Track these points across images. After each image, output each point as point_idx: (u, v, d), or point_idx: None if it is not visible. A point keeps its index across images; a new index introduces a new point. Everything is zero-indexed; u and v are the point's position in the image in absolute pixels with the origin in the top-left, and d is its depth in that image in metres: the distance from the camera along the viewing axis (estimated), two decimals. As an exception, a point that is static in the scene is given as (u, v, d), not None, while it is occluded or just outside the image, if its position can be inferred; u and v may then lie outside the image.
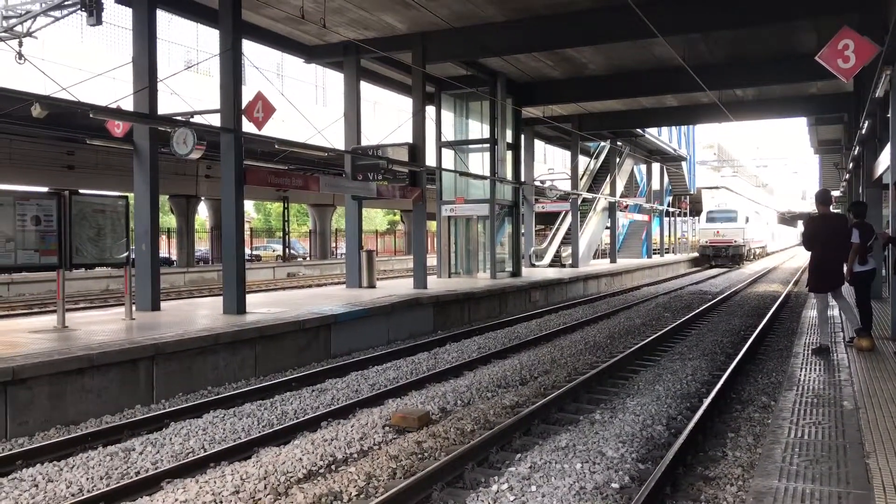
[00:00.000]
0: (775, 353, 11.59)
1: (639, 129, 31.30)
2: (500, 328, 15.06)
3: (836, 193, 32.10)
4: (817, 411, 5.88)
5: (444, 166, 21.00)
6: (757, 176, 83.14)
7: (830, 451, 4.83)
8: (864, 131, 13.83)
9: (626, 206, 34.52)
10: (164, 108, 13.10)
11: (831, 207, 9.20)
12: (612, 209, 32.54)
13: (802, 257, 54.17)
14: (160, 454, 6.50)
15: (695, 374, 9.69)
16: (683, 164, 41.35)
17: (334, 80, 29.49)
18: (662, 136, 35.67)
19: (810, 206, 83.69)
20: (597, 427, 7.15)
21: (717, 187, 55.61)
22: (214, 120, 12.78)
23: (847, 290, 9.13)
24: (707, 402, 7.74)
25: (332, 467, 6.23)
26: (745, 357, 10.70)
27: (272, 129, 14.49)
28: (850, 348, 8.83)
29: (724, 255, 40.74)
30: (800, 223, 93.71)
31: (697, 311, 17.00)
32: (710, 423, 7.38)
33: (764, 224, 53.02)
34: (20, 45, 12.63)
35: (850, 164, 21.23)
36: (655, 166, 40.02)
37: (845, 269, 8.63)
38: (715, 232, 41.14)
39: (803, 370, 7.61)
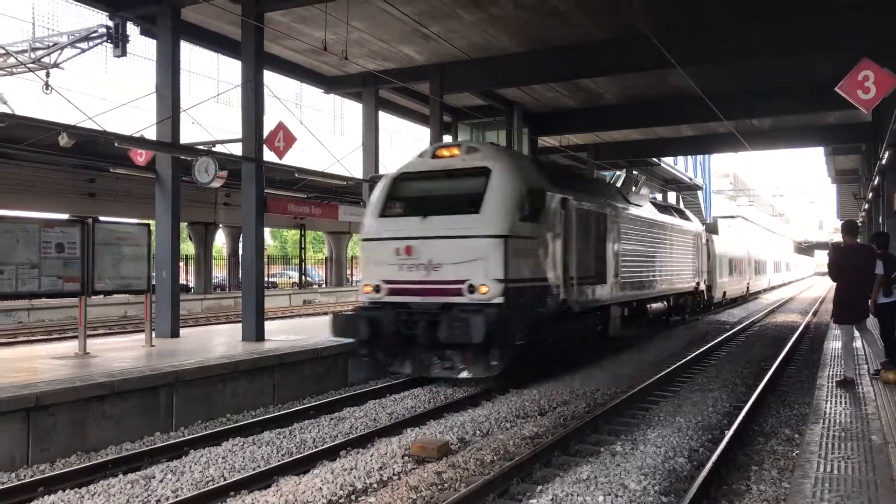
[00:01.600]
0: (796, 385, 11.44)
1: (654, 159, 31.33)
2: (517, 357, 14.92)
3: (855, 223, 31.71)
4: (845, 445, 5.79)
5: (460, 195, 21.06)
6: (773, 206, 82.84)
7: (861, 487, 4.75)
8: (884, 161, 13.80)
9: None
10: (186, 136, 13.27)
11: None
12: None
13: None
14: (180, 482, 6.50)
15: (716, 406, 9.57)
16: (699, 193, 41.32)
17: (352, 110, 29.85)
18: (678, 165, 35.70)
19: (828, 236, 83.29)
20: (618, 459, 7.06)
21: (732, 216, 55.26)
22: (235, 149, 12.94)
23: (872, 321, 9.03)
24: (729, 433, 7.65)
25: (353, 497, 6.19)
26: (766, 388, 10.57)
27: (291, 158, 14.65)
28: (875, 381, 8.70)
29: (421, 332, 9.73)
30: (817, 252, 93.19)
31: (714, 341, 16.82)
32: (732, 455, 7.28)
33: (687, 239, 20.71)
34: (47, 75, 12.95)
35: (870, 195, 21.10)
36: (671, 195, 40.00)
37: (870, 300, 8.54)
38: (398, 251, 10.22)
39: (828, 403, 7.50)
